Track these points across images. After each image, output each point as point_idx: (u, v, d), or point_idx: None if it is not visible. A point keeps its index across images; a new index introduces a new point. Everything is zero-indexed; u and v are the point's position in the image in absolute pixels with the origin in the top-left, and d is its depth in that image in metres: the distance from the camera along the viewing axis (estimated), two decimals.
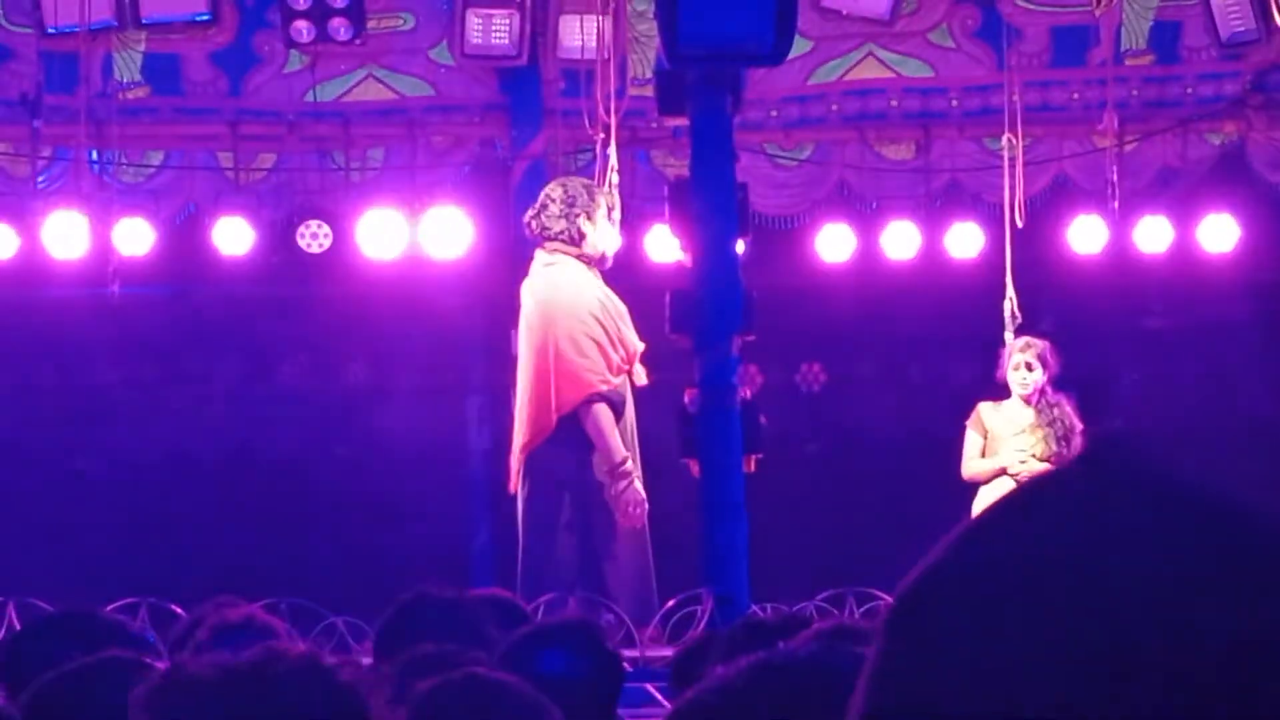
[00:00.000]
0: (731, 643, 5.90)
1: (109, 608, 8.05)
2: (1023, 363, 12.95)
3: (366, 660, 7.79)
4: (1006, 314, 13.81)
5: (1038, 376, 12.89)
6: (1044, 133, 14.96)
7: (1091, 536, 1.11)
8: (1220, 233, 14.94)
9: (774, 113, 14.95)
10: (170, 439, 15.45)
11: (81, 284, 14.37)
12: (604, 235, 12.30)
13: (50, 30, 14.04)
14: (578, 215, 12.21)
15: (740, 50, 11.53)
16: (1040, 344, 13.03)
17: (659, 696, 7.32)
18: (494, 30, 14.27)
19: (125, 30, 14.28)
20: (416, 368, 15.65)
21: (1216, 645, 1.09)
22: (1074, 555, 1.11)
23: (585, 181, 12.68)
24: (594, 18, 13.52)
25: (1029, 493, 1.16)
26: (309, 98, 14.78)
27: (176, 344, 15.59)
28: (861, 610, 10.69)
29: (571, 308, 12.11)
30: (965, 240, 14.83)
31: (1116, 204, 14.85)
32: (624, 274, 12.78)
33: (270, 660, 2.61)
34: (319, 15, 13.87)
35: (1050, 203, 14.92)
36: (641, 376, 12.29)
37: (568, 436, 12.10)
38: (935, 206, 15.04)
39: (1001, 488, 12.85)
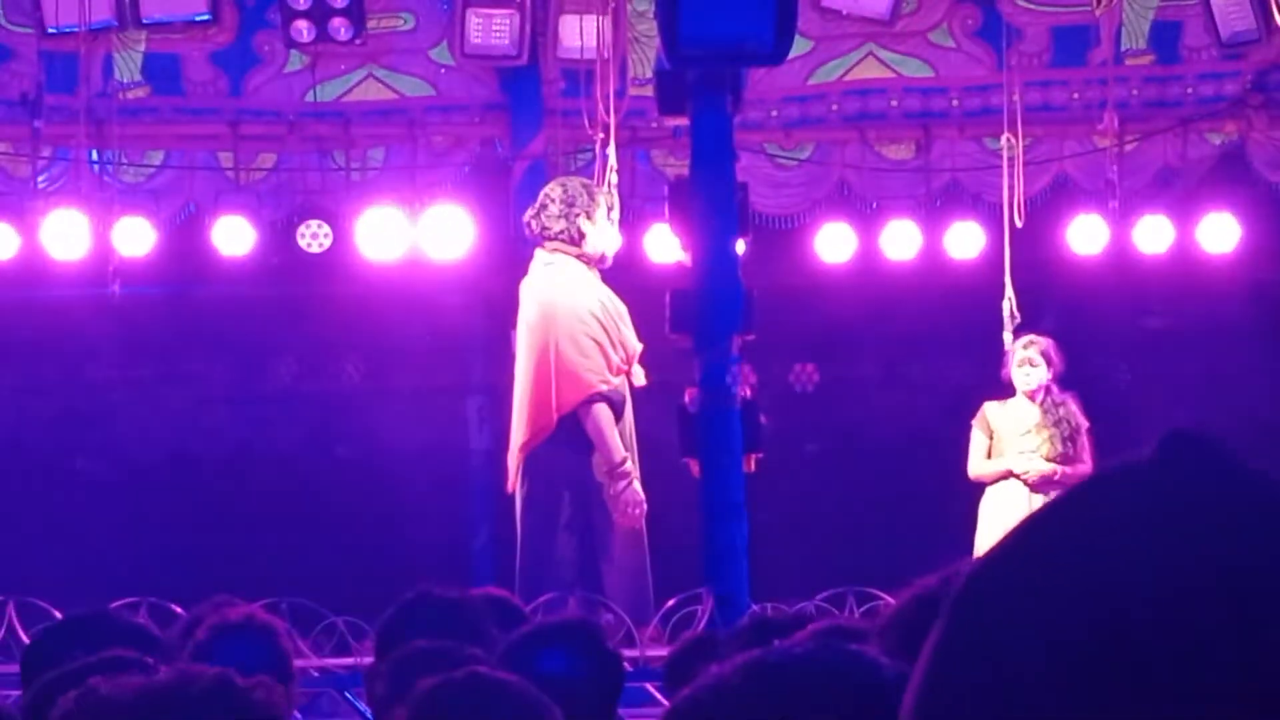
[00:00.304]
0: (739, 641, 5.92)
1: (113, 606, 8.05)
2: (1026, 360, 12.95)
3: (368, 660, 7.78)
4: (1005, 314, 13.81)
5: (1041, 374, 12.89)
6: (1044, 133, 14.97)
7: (1163, 530, 1.12)
8: (1221, 233, 14.94)
9: (774, 112, 14.96)
10: (170, 439, 15.46)
11: (82, 284, 14.37)
12: (603, 235, 12.31)
13: (50, 30, 14.04)
14: (577, 215, 12.22)
15: (740, 50, 11.54)
16: (1044, 341, 13.03)
17: (659, 696, 7.33)
18: (494, 30, 14.28)
19: (125, 30, 14.29)
20: (416, 368, 15.65)
21: None
22: (1144, 547, 1.11)
23: (585, 181, 12.69)
24: (594, 17, 13.53)
25: (1101, 483, 1.16)
26: (309, 97, 14.79)
27: (177, 344, 15.59)
28: (862, 610, 10.68)
29: (571, 308, 12.12)
30: (965, 240, 14.84)
31: (1116, 204, 14.86)
32: (624, 274, 12.79)
33: (184, 682, 2.63)
34: (319, 15, 13.88)
35: (1050, 202, 14.93)
36: (640, 377, 12.31)
37: (567, 436, 12.12)
38: (935, 206, 15.04)
39: (1008, 489, 12.86)
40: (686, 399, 11.97)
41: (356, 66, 14.86)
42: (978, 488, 13.07)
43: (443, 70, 14.91)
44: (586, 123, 13.23)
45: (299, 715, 6.47)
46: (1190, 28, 14.88)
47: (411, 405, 15.62)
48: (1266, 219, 14.81)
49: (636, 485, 12.13)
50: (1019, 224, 14.34)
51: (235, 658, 5.38)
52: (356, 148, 15.02)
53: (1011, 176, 14.42)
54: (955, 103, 15.14)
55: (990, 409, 13.05)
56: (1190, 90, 15.11)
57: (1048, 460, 12.86)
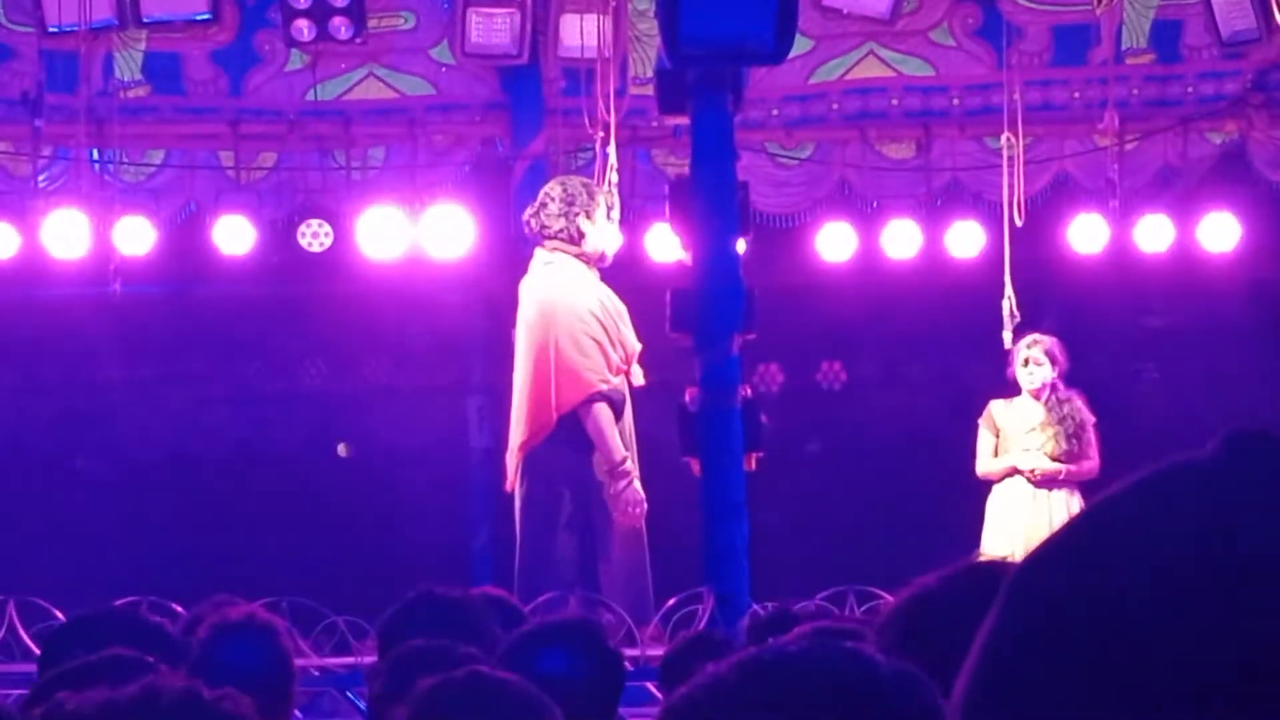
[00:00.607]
0: (754, 636, 5.94)
1: (132, 604, 8.06)
2: (1030, 359, 12.97)
3: (368, 659, 7.78)
4: (1005, 313, 13.82)
5: (1045, 372, 12.91)
6: (1044, 132, 14.98)
7: (1225, 525, 1.12)
8: (1221, 232, 14.95)
9: (775, 111, 14.96)
10: (171, 438, 15.47)
11: (82, 283, 14.38)
12: (603, 234, 12.32)
13: (51, 29, 14.05)
14: (577, 214, 12.23)
15: (741, 49, 11.55)
16: (1047, 340, 13.05)
17: (659, 695, 7.34)
18: (495, 29, 14.28)
19: (126, 29, 14.29)
20: (417, 367, 15.66)
21: None
22: (1206, 542, 1.12)
23: (585, 180, 12.69)
24: (595, 17, 13.54)
25: (1163, 478, 1.17)
26: (310, 96, 14.80)
27: (177, 343, 15.60)
28: (863, 609, 10.70)
29: (571, 307, 12.13)
30: (966, 239, 14.84)
31: (1117, 203, 14.87)
32: (624, 273, 12.80)
33: (150, 694, 2.64)
34: (320, 14, 13.89)
35: (1051, 201, 14.93)
36: (639, 376, 12.31)
37: (567, 436, 12.12)
38: (936, 205, 15.05)
39: (1014, 486, 12.89)
40: (687, 398, 11.98)
41: (357, 65, 14.87)
42: (977, 487, 13.08)
43: (443, 69, 14.91)
44: (587, 122, 13.23)
45: (300, 715, 6.48)
46: (1191, 27, 14.89)
47: (412, 404, 15.63)
48: (1267, 218, 14.81)
49: (636, 484, 12.14)
50: (1019, 223, 14.34)
51: (236, 657, 5.40)
52: (357, 147, 15.03)
53: (1012, 175, 14.42)
54: (956, 102, 15.14)
55: (996, 407, 13.07)
56: (1191, 89, 15.12)
57: (1053, 458, 12.87)
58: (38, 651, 6.58)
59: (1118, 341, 15.24)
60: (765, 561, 12.05)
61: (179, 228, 14.84)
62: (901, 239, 14.95)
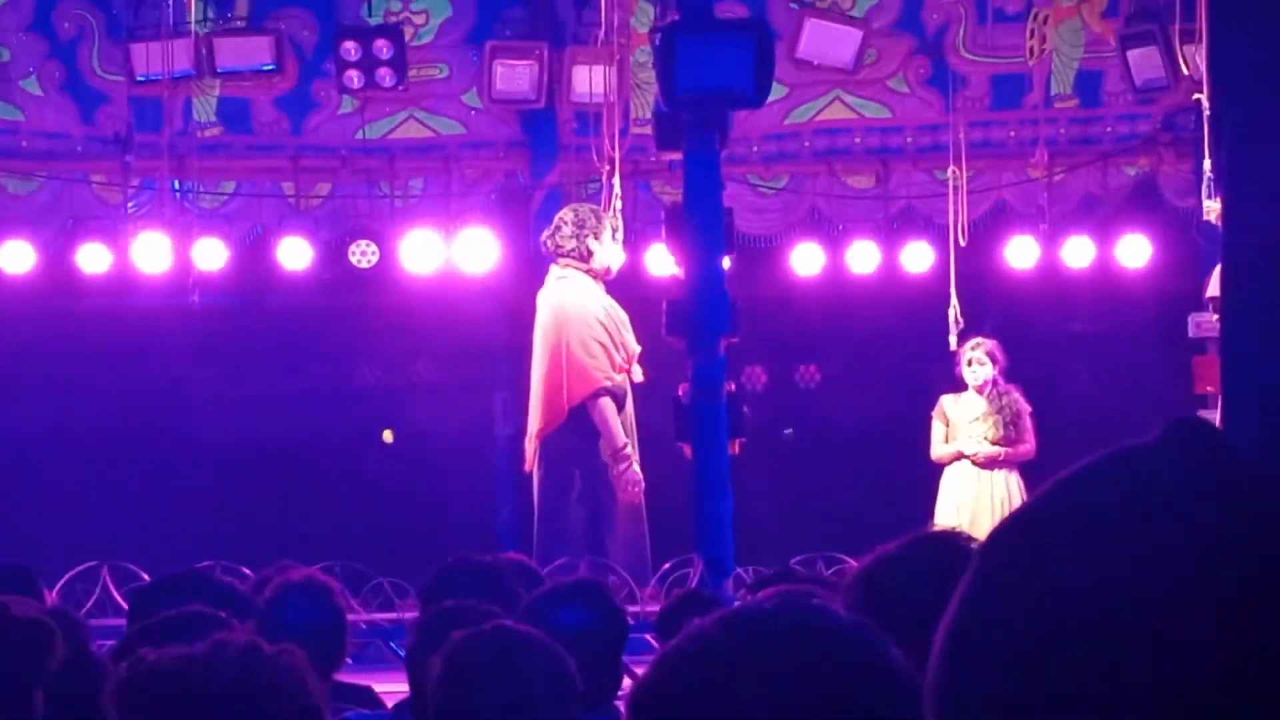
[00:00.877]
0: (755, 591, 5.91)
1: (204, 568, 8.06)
2: (973, 359, 12.99)
3: (409, 615, 7.75)
4: (951, 320, 13.83)
5: (987, 370, 12.93)
6: (985, 165, 14.97)
7: (1164, 501, 1.11)
8: (1135, 251, 14.95)
9: (755, 148, 14.95)
10: (240, 427, 15.45)
11: (165, 294, 14.38)
12: (609, 253, 12.32)
13: (139, 78, 14.05)
14: (586, 236, 12.23)
15: (727, 95, 11.56)
16: (989, 343, 13.08)
17: (656, 644, 7.33)
18: (516, 78, 14.28)
19: (203, 78, 14.29)
20: (450, 366, 15.65)
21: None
22: (1147, 517, 1.11)
23: (593, 207, 12.69)
24: (601, 67, 13.54)
25: (1114, 460, 1.16)
26: (359, 135, 14.80)
27: (246, 345, 15.59)
28: (830, 571, 10.70)
29: (580, 315, 12.13)
30: (918, 257, 14.83)
31: (1046, 226, 14.88)
32: (626, 286, 12.80)
33: (218, 649, 2.62)
34: (368, 66, 13.88)
35: (990, 225, 14.92)
36: (638, 374, 12.32)
37: (577, 425, 12.13)
38: (892, 228, 15.04)
39: (961, 467, 12.94)
40: (680, 392, 11.97)
41: (399, 109, 14.86)
42: (929, 468, 13.09)
43: (473, 112, 14.91)
44: (595, 157, 13.23)
45: (350, 662, 6.47)
46: (1109, 76, 14.88)
47: (445, 398, 15.61)
48: (1174, 239, 14.80)
49: (636, 467, 12.14)
50: (963, 243, 14.35)
51: (297, 612, 5.40)
52: (399, 178, 15.02)
53: (957, 203, 14.43)
54: (909, 140, 15.13)
55: (946, 401, 13.09)
56: (1109, 129, 15.12)
57: (994, 442, 12.89)
58: (127, 608, 6.57)
59: (1047, 344, 15.22)
60: (747, 531, 12.05)
61: (247, 247, 14.84)
62: (863, 257, 14.94)
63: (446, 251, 14.54)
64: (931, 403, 13.19)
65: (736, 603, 3.74)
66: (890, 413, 14.96)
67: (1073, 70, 15.01)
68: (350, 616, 6.10)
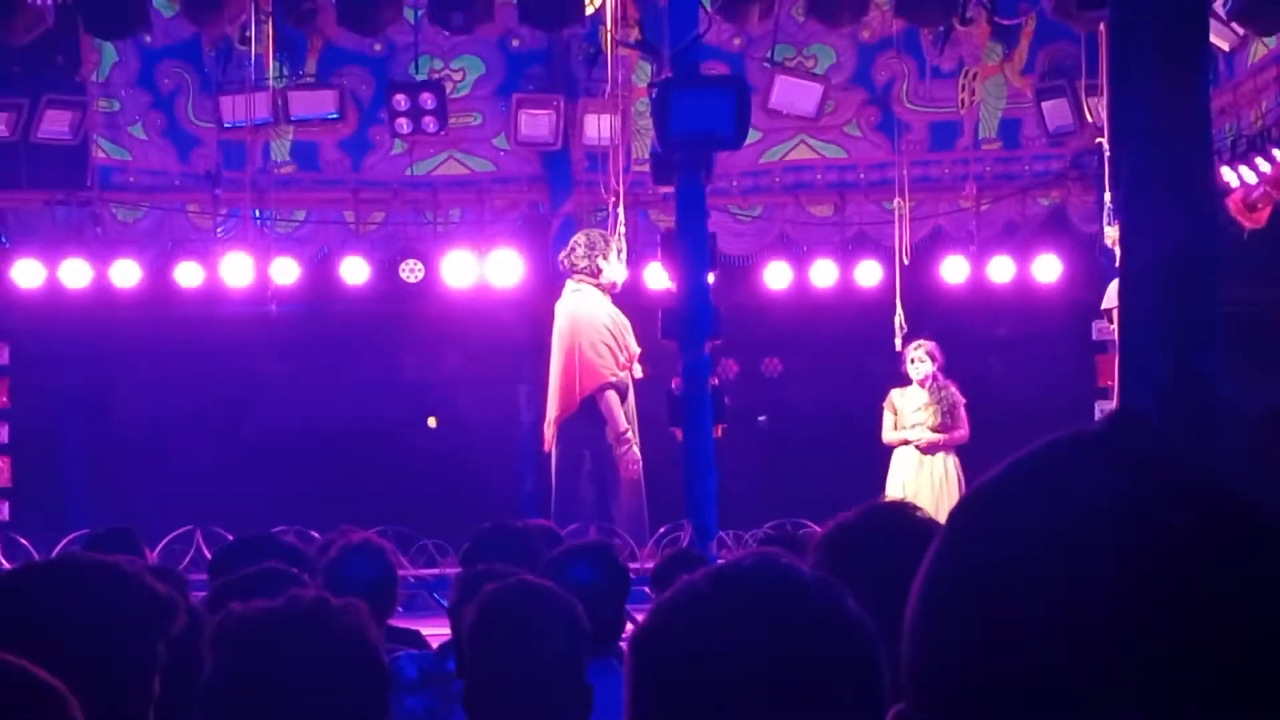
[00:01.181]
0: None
1: (272, 532, 8.06)
2: (915, 358, 12.96)
3: (451, 570, 7.71)
4: (897, 325, 13.82)
5: (927, 367, 12.90)
6: (924, 197, 14.97)
7: (1104, 486, 1.09)
8: (1049, 268, 14.97)
9: (734, 183, 14.95)
10: (309, 414, 15.45)
11: (248, 304, 14.39)
12: (615, 270, 12.33)
13: (227, 125, 14.05)
14: (597, 255, 12.24)
15: (711, 139, 11.57)
16: (928, 344, 13.05)
17: (652, 596, 7.32)
18: (538, 125, 14.28)
19: (279, 125, 14.29)
20: (483, 364, 15.64)
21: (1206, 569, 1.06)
22: (1096, 494, 1.08)
23: (602, 231, 12.69)
24: (608, 115, 13.54)
25: (1060, 446, 1.13)
26: (408, 172, 14.81)
27: (314, 346, 15.59)
28: (795, 534, 10.67)
29: (591, 322, 12.14)
30: (869, 274, 14.84)
31: (975, 247, 14.89)
32: (628, 297, 12.80)
33: (293, 602, 2.64)
34: (415, 114, 13.88)
35: (929, 247, 14.93)
36: (639, 371, 12.33)
37: (588, 413, 12.13)
38: (848, 250, 15.04)
39: (907, 450, 12.88)
40: (673, 386, 11.97)
41: (441, 150, 14.87)
42: (879, 448, 13.08)
43: (502, 153, 14.91)
44: (603, 190, 13.24)
45: (400, 610, 6.47)
46: (1027, 123, 14.89)
47: (479, 390, 15.61)
48: (1081, 259, 14.80)
49: (636, 448, 12.15)
50: (906, 262, 14.35)
51: (357, 569, 5.39)
52: (441, 208, 15.03)
53: (902, 228, 14.43)
54: (862, 176, 15.13)
55: (894, 394, 13.07)
56: (1027, 167, 15.12)
57: (933, 429, 12.86)
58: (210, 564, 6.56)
59: (976, 346, 15.22)
60: (728, 501, 12.05)
61: (315, 265, 14.84)
62: (823, 273, 14.95)
63: (480, 269, 14.55)
64: (879, 395, 13.17)
65: (719, 561, 3.75)
66: (846, 403, 14.96)
67: (997, 118, 15.01)
68: (400, 572, 6.10)
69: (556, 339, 12.28)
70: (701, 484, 11.60)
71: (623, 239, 12.61)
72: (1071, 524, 1.08)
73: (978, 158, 14.94)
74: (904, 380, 13.05)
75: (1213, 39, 11.00)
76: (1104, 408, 13.86)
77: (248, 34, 13.44)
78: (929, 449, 12.82)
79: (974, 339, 15.12)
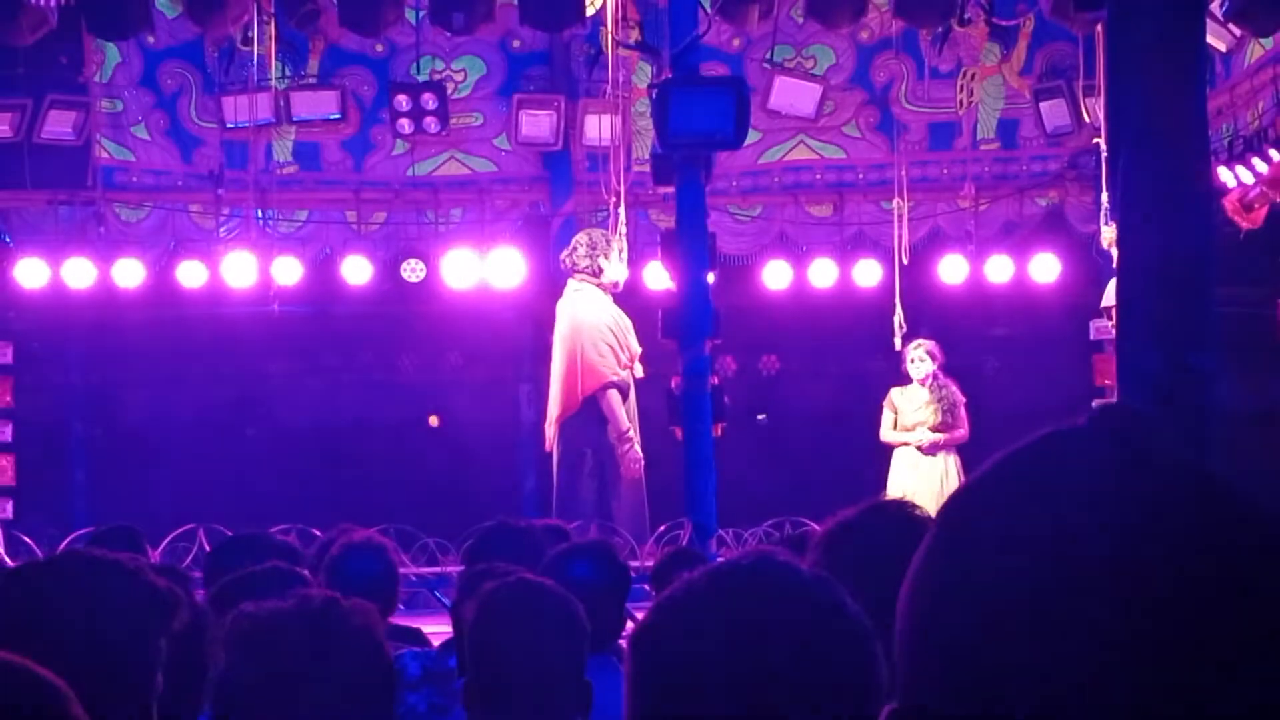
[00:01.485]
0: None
1: (269, 531, 8.06)
2: (915, 358, 12.94)
3: (452, 569, 7.69)
4: (896, 324, 13.82)
5: (928, 366, 12.88)
6: (923, 197, 14.97)
7: (1092, 479, 1.09)
8: (1046, 268, 14.96)
9: (734, 183, 14.95)
10: (311, 413, 15.47)
11: (250, 303, 14.38)
12: (616, 269, 12.32)
13: (229, 125, 14.06)
14: (597, 255, 12.23)
15: (711, 139, 11.56)
16: (929, 343, 13.03)
17: (653, 594, 7.32)
18: (539, 125, 14.28)
19: (281, 125, 14.29)
20: (484, 363, 15.65)
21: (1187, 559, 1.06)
22: (1076, 493, 1.08)
23: (603, 231, 12.69)
24: (609, 116, 13.54)
25: (1048, 442, 1.13)
26: (409, 172, 14.81)
27: (317, 346, 15.60)
28: (794, 532, 10.67)
29: (592, 321, 12.14)
30: (868, 273, 14.83)
31: (973, 247, 14.89)
32: (629, 296, 12.80)
33: (304, 602, 2.66)
34: (417, 115, 13.89)
35: (927, 246, 14.92)
36: (639, 371, 12.32)
37: (589, 412, 12.13)
38: (847, 249, 15.04)
39: (908, 451, 12.85)
40: (673, 384, 11.97)
41: (442, 150, 14.87)
42: (878, 446, 13.07)
43: (503, 153, 14.91)
44: (603, 190, 13.24)
45: (402, 608, 6.46)
46: (1025, 123, 14.89)
47: (480, 389, 15.62)
48: (1079, 259, 14.81)
49: (638, 447, 12.14)
50: (905, 262, 14.35)
51: (359, 566, 5.38)
52: (442, 207, 15.03)
53: (900, 228, 14.43)
54: (861, 176, 15.13)
55: (894, 392, 13.05)
56: (1025, 167, 15.12)
57: (933, 428, 12.84)
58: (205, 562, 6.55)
59: (974, 345, 15.23)
60: (727, 500, 12.04)
61: (318, 265, 14.84)
62: (823, 273, 14.94)
63: (481, 268, 14.54)
64: (878, 393, 13.16)
65: (719, 559, 3.75)
66: (845, 401, 14.96)
67: (995, 118, 15.01)
68: (401, 570, 6.09)
69: (558, 339, 12.28)
70: (701, 482, 11.60)
71: (623, 239, 12.61)
72: (1063, 518, 1.07)
73: (976, 158, 14.94)
74: (903, 379, 13.03)
75: (1209, 40, 11.01)
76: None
77: (250, 35, 13.45)
78: (930, 449, 12.80)
79: (972, 338, 15.12)
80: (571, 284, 12.34)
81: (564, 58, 14.71)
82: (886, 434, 12.98)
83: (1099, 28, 11.80)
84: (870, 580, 2.04)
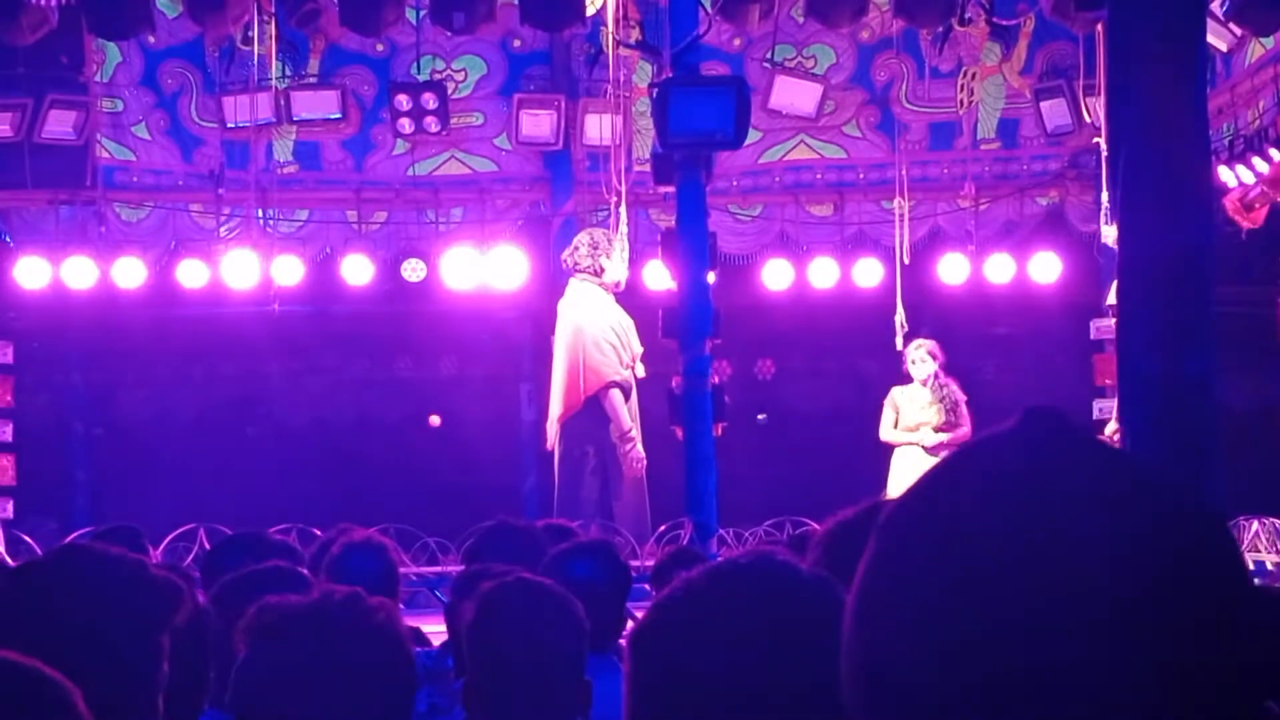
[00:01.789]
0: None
1: (270, 530, 8.06)
2: (916, 358, 12.94)
3: (452, 569, 7.69)
4: (897, 324, 13.82)
5: (929, 366, 12.87)
6: (923, 197, 14.97)
7: (1018, 483, 1.10)
8: (1047, 268, 14.96)
9: (734, 183, 14.96)
10: (312, 413, 15.48)
11: (251, 303, 14.38)
12: (617, 269, 12.32)
13: (230, 125, 14.07)
14: (599, 255, 12.23)
15: (711, 139, 11.55)
16: (930, 343, 13.02)
17: (653, 592, 7.31)
18: (539, 124, 14.29)
19: (281, 125, 14.30)
20: (484, 362, 15.66)
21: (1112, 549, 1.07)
22: (1003, 498, 1.10)
23: (604, 231, 12.69)
24: (609, 116, 13.55)
25: (982, 445, 1.15)
26: (410, 172, 14.81)
27: (318, 345, 15.60)
28: (795, 533, 10.67)
29: (594, 321, 12.13)
30: (869, 273, 14.83)
31: (974, 247, 14.88)
32: (630, 296, 12.80)
33: (326, 597, 2.66)
34: (417, 115, 13.90)
35: (928, 246, 14.93)
36: (641, 370, 12.32)
37: (591, 412, 12.13)
38: (848, 249, 15.04)
39: (909, 450, 12.83)
40: (674, 384, 11.97)
41: (443, 150, 14.87)
42: (877, 445, 13.06)
43: (503, 152, 14.92)
44: (604, 190, 13.24)
45: (402, 607, 6.46)
46: (1025, 123, 14.89)
47: (480, 388, 15.63)
48: (1079, 258, 14.81)
49: (640, 447, 12.14)
50: (906, 261, 14.36)
51: (359, 566, 5.38)
52: (443, 207, 15.03)
53: (901, 228, 14.43)
54: (861, 176, 15.14)
55: (896, 391, 13.04)
56: (1025, 167, 15.12)
57: (936, 429, 12.84)
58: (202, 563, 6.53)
59: (975, 345, 15.24)
60: (728, 499, 12.04)
61: (318, 264, 14.84)
62: (823, 273, 14.94)
63: (481, 268, 14.55)
64: (878, 393, 13.16)
65: (719, 559, 3.75)
66: (845, 401, 14.97)
67: (995, 118, 15.01)
68: (402, 570, 6.09)
69: (560, 338, 12.28)
70: (701, 482, 11.60)
71: (625, 239, 12.61)
72: (992, 520, 1.09)
73: (976, 157, 14.94)
74: (904, 379, 13.03)
75: (1210, 39, 11.01)
76: (1102, 406, 13.87)
77: (250, 34, 13.46)
78: (934, 449, 12.80)
79: (972, 338, 15.13)
80: (573, 283, 12.34)
81: (564, 57, 14.71)
82: (886, 433, 12.98)
83: (1099, 27, 11.80)
84: None
